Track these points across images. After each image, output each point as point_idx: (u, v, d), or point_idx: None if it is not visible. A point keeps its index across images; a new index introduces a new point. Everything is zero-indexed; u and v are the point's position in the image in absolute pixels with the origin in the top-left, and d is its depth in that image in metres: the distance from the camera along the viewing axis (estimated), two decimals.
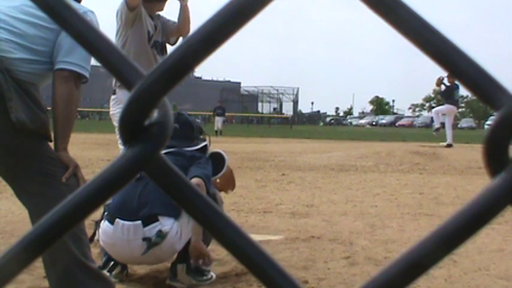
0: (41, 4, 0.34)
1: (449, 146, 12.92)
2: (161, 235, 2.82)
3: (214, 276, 3.08)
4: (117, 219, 2.85)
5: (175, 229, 2.85)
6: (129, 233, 2.83)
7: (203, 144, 3.27)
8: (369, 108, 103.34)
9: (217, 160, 3.27)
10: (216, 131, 23.82)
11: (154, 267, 3.25)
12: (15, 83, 2.09)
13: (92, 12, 2.29)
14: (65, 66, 2.21)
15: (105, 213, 2.94)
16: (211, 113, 28.73)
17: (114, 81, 4.00)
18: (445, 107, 13.22)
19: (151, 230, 2.82)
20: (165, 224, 2.84)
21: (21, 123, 2.06)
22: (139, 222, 2.82)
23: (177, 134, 3.17)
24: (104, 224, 2.90)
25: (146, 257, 2.85)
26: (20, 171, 2.18)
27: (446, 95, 13.06)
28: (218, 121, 25.36)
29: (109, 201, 2.88)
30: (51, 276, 2.20)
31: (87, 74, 2.28)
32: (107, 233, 2.88)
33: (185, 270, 2.98)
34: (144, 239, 2.81)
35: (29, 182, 2.18)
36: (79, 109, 2.29)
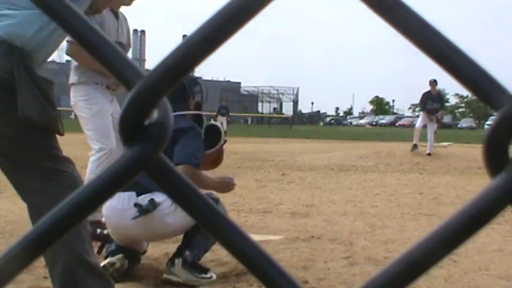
0: (41, 4, 0.34)
1: (428, 154, 12.11)
2: (153, 203, 2.88)
3: (214, 276, 3.07)
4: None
5: (169, 203, 2.88)
6: (123, 202, 2.90)
7: (196, 112, 3.24)
8: (369, 108, 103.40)
9: (213, 133, 3.25)
10: None
11: (154, 268, 3.25)
12: (29, 79, 2.13)
13: None
14: None
15: None
16: (215, 113, 28.68)
17: (70, 76, 4.04)
18: (421, 116, 12.76)
19: (144, 199, 2.90)
20: (159, 196, 2.89)
21: (28, 117, 2.10)
22: (134, 192, 2.90)
23: (168, 96, 3.17)
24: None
25: (138, 225, 2.89)
26: (23, 165, 2.19)
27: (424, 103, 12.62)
28: (222, 121, 25.22)
29: None
30: (53, 274, 2.20)
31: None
32: (106, 205, 2.95)
33: (181, 264, 2.98)
34: (136, 205, 2.88)
35: (30, 178, 2.19)
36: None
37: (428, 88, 12.56)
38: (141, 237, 3.10)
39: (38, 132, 2.16)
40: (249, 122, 53.92)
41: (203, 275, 3.03)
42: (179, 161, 2.98)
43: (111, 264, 2.97)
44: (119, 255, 3.04)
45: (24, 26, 2.18)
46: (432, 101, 12.43)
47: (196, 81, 3.41)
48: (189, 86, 3.30)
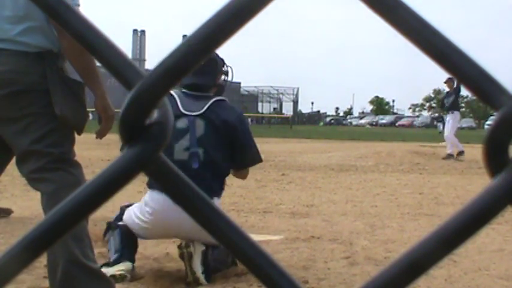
0: (40, 4, 0.34)
1: (450, 156, 11.60)
2: None
3: (206, 284, 3.02)
4: None
5: None
6: None
7: (220, 98, 3.19)
8: (369, 108, 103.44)
9: None
10: None
11: (154, 268, 3.25)
12: (61, 80, 2.25)
13: None
14: None
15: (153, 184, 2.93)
16: None
17: None
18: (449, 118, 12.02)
19: None
20: (216, 201, 2.91)
21: (64, 116, 2.22)
22: None
23: (200, 69, 3.03)
24: (155, 193, 2.89)
25: (189, 229, 2.84)
26: (45, 158, 2.26)
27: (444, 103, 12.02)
28: None
29: None
30: (53, 278, 2.20)
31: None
32: (158, 200, 2.88)
33: (202, 251, 2.96)
34: None
35: (45, 170, 2.25)
36: None
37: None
38: (184, 235, 3.05)
39: (68, 130, 2.30)
40: (250, 122, 54.09)
41: (205, 276, 3.00)
42: (254, 164, 3.16)
43: (122, 276, 2.93)
44: (127, 264, 3.02)
45: (50, 35, 2.27)
46: (447, 98, 11.87)
47: (225, 62, 3.34)
48: (221, 62, 3.25)
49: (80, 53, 2.25)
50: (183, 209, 0.34)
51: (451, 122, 11.81)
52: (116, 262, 3.00)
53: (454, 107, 11.89)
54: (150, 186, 2.97)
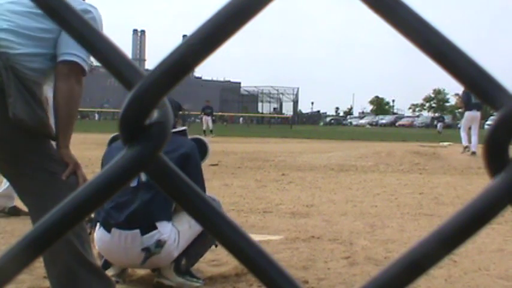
0: (40, 4, 0.34)
1: (473, 153, 11.98)
2: (160, 244, 2.81)
3: (202, 283, 3.04)
4: (114, 229, 2.81)
5: (173, 237, 2.84)
6: (126, 241, 2.81)
7: (183, 128, 3.16)
8: (369, 108, 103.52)
9: (200, 147, 3.15)
10: (205, 131, 23.28)
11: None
12: (18, 81, 2.10)
13: (95, 8, 2.28)
14: (68, 57, 2.18)
15: (98, 217, 2.91)
16: (199, 112, 28.66)
17: None
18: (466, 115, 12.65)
19: (150, 238, 2.81)
20: (164, 231, 2.83)
21: (19, 119, 2.07)
22: (138, 231, 2.80)
23: None
24: (100, 231, 2.87)
25: (139, 264, 2.88)
26: (22, 169, 2.18)
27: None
28: (208, 120, 25.14)
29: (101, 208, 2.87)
30: (52, 274, 2.19)
31: (86, 68, 2.26)
32: (103, 240, 2.87)
33: (173, 268, 2.96)
34: (143, 249, 2.80)
35: (30, 180, 2.18)
36: (79, 109, 2.30)
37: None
38: (144, 268, 3.07)
39: (32, 135, 2.15)
40: (241, 121, 53.84)
41: (194, 279, 3.01)
42: None
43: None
44: (117, 270, 3.00)
45: (14, 36, 2.17)
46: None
47: (181, 107, 3.34)
48: (177, 107, 3.21)
49: (70, 98, 2.18)
50: (184, 209, 0.34)
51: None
52: (105, 267, 2.97)
53: (465, 108, 12.68)
54: (98, 218, 2.91)
